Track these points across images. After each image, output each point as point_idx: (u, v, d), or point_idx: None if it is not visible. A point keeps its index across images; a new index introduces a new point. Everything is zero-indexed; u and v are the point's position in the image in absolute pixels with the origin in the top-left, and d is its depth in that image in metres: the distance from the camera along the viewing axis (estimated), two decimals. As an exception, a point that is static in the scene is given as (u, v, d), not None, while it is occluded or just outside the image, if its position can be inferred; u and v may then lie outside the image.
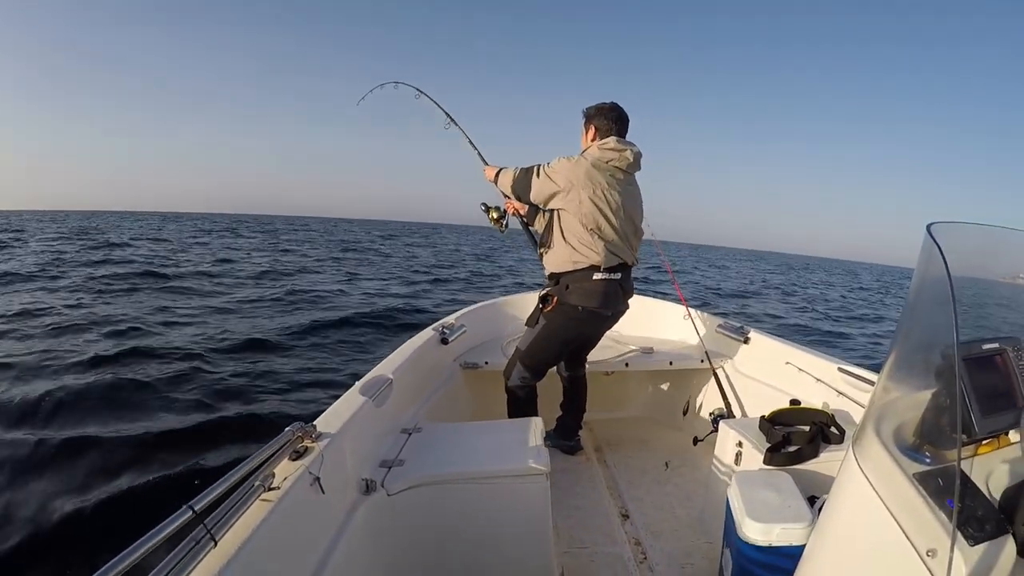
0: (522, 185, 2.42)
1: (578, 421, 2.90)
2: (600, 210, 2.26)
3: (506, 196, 2.68)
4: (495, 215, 2.85)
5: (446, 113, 3.12)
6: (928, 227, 0.91)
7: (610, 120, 2.37)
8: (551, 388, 2.78)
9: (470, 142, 3.00)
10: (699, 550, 2.07)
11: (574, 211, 2.27)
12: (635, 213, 2.42)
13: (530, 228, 2.71)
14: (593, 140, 2.39)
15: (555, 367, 2.75)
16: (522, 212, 2.71)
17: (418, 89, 3.19)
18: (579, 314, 2.37)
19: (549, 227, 2.43)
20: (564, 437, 2.88)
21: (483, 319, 3.57)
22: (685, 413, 3.17)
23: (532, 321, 2.53)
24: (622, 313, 2.54)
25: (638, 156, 2.37)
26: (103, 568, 0.78)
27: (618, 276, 2.38)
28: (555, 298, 2.39)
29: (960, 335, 0.83)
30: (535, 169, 2.37)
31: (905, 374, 1.03)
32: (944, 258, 0.84)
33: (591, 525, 2.25)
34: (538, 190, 2.36)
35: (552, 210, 2.38)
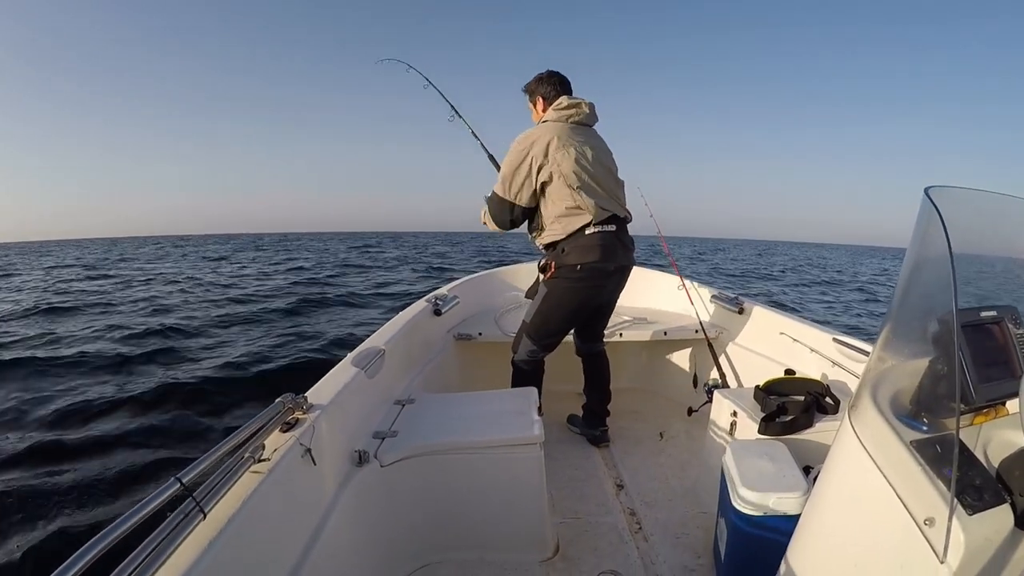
0: (495, 206, 2.35)
1: (604, 406, 2.75)
2: (581, 165, 2.21)
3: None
4: None
5: (451, 105, 3.07)
6: (926, 190, 0.88)
7: (552, 84, 2.37)
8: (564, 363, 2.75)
9: (473, 134, 2.94)
10: (694, 520, 2.08)
11: (555, 175, 2.21)
12: (610, 163, 2.39)
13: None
14: (544, 110, 2.37)
15: (574, 345, 2.71)
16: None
17: (427, 79, 3.14)
18: (579, 273, 2.28)
19: (536, 211, 2.37)
20: (590, 425, 2.75)
21: (476, 290, 3.56)
22: (695, 385, 3.18)
23: (532, 292, 2.48)
24: (628, 269, 2.44)
25: (592, 107, 2.36)
26: (90, 541, 0.77)
27: (612, 228, 2.31)
28: (552, 263, 2.34)
29: (958, 302, 0.81)
30: (495, 186, 2.33)
31: (902, 341, 1.01)
32: (943, 221, 0.81)
33: (586, 495, 2.26)
34: (515, 185, 2.27)
35: (540, 193, 2.29)
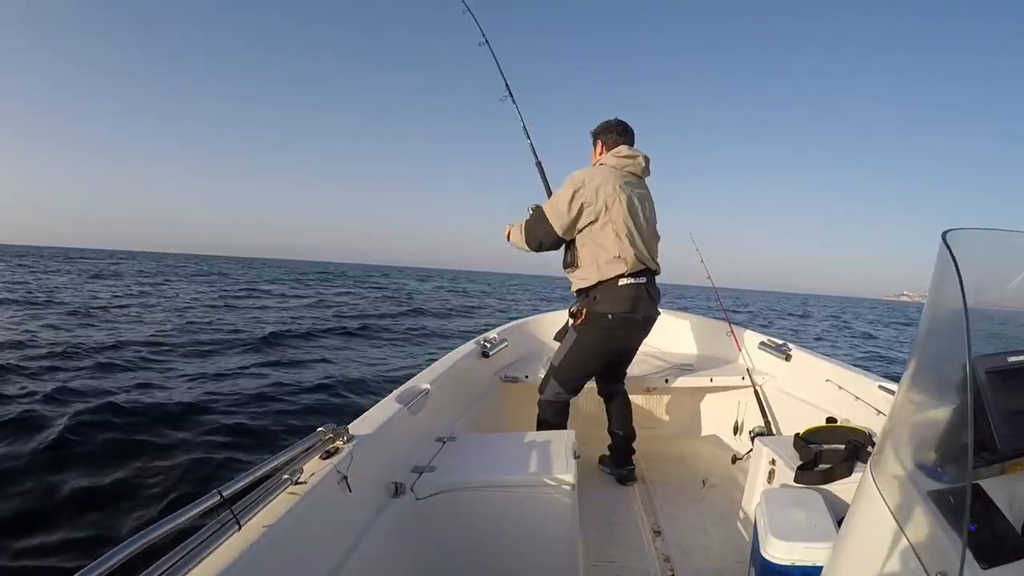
0: (540, 226, 2.37)
1: (629, 444, 2.77)
2: (631, 214, 2.28)
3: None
4: None
5: (505, 83, 3.08)
6: (943, 235, 0.88)
7: (616, 133, 2.46)
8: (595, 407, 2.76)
9: (524, 128, 2.97)
10: (728, 569, 2.02)
11: (603, 219, 2.28)
12: (653, 217, 2.45)
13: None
14: (602, 154, 2.46)
15: (596, 387, 2.74)
16: None
17: (484, 35, 3.14)
18: (609, 323, 2.34)
19: (571, 247, 2.43)
20: (618, 465, 2.78)
21: (524, 334, 3.61)
22: (735, 432, 3.11)
23: (561, 335, 2.53)
24: (653, 320, 2.49)
25: (648, 161, 2.44)
26: (128, 539, 0.84)
27: (643, 280, 2.37)
28: (584, 310, 2.38)
29: (985, 348, 0.80)
30: (544, 205, 2.39)
31: (924, 389, 0.99)
32: (957, 266, 0.81)
33: (621, 540, 2.23)
34: (561, 207, 2.30)
35: (580, 230, 2.35)
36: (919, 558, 0.80)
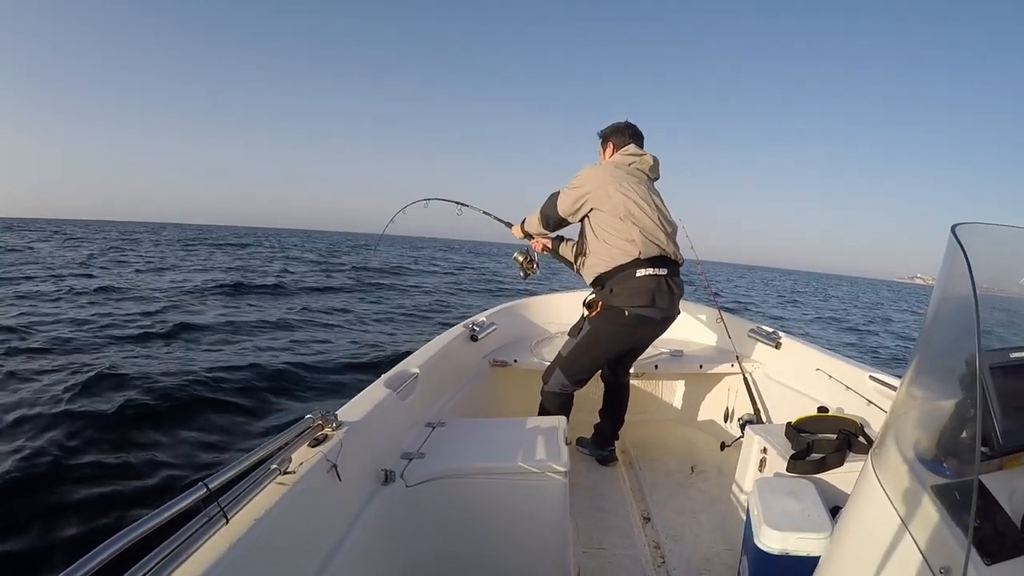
0: (549, 207, 2.50)
1: (615, 431, 2.82)
2: (629, 198, 2.26)
3: (530, 237, 2.82)
4: (521, 259, 2.97)
5: (456, 203, 3.30)
6: (953, 228, 0.86)
7: (626, 135, 2.48)
8: (588, 393, 2.76)
9: (485, 213, 3.21)
10: (718, 556, 2.03)
11: (605, 206, 2.28)
12: (662, 206, 2.41)
13: (558, 253, 2.79)
14: (610, 155, 2.48)
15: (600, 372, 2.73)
16: (549, 246, 2.79)
17: (426, 199, 3.36)
18: (626, 319, 2.29)
19: (582, 234, 2.45)
20: (599, 446, 2.81)
21: (513, 318, 3.59)
22: (724, 419, 3.13)
23: (575, 331, 2.48)
24: (672, 320, 2.45)
25: (657, 161, 2.44)
26: (112, 537, 0.81)
27: (663, 271, 2.31)
28: (599, 303, 2.35)
29: (989, 342, 0.79)
30: (558, 192, 2.46)
31: (927, 382, 0.98)
32: (967, 259, 0.80)
33: (611, 526, 2.23)
34: (567, 201, 2.40)
35: (584, 218, 2.40)
36: (922, 552, 0.80)
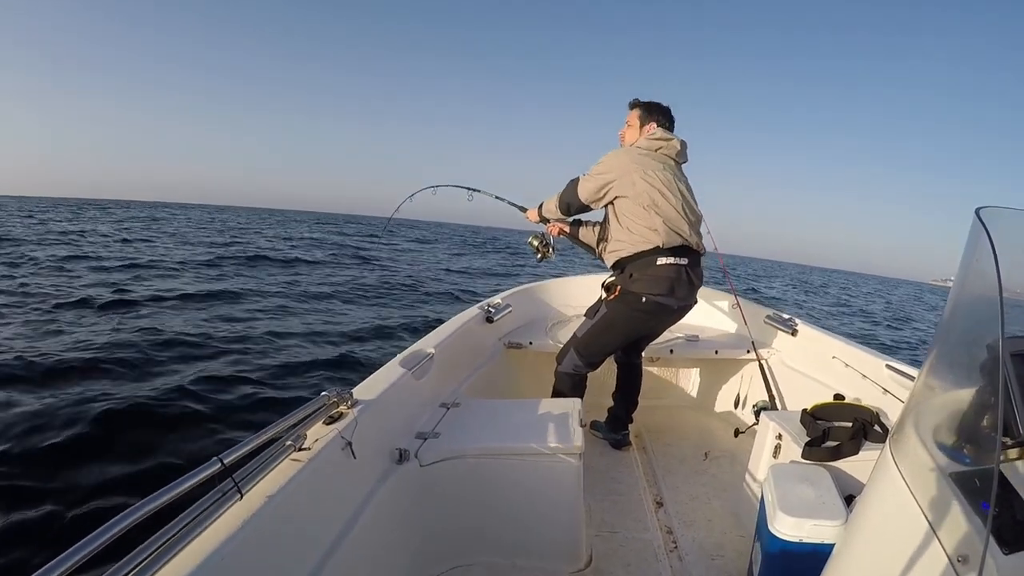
0: (570, 193, 2.45)
1: (629, 414, 2.81)
2: (654, 187, 2.23)
3: (546, 221, 2.79)
4: (536, 243, 2.95)
5: (467, 188, 3.28)
6: (977, 211, 0.84)
7: (656, 113, 2.42)
8: (603, 377, 2.76)
9: (498, 198, 3.16)
10: (731, 542, 2.03)
11: (630, 193, 2.26)
12: (688, 195, 2.37)
13: (577, 238, 2.77)
14: (639, 135, 2.43)
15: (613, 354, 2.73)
16: (566, 229, 2.78)
17: (434, 187, 3.36)
18: (643, 305, 2.28)
19: (605, 220, 2.44)
20: (613, 430, 2.81)
21: (529, 300, 3.60)
22: (737, 405, 3.12)
23: (592, 312, 2.48)
24: (689, 308, 2.44)
25: (685, 145, 2.39)
26: (127, 510, 0.82)
27: (684, 261, 2.30)
28: (618, 287, 2.35)
29: (1010, 330, 0.77)
30: (579, 177, 2.42)
31: (949, 369, 0.97)
32: (992, 243, 0.78)
33: (624, 510, 2.23)
34: (590, 188, 2.36)
35: (608, 204, 2.37)
36: (939, 540, 0.79)
